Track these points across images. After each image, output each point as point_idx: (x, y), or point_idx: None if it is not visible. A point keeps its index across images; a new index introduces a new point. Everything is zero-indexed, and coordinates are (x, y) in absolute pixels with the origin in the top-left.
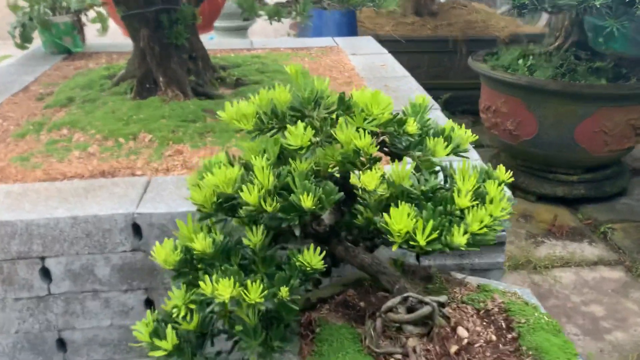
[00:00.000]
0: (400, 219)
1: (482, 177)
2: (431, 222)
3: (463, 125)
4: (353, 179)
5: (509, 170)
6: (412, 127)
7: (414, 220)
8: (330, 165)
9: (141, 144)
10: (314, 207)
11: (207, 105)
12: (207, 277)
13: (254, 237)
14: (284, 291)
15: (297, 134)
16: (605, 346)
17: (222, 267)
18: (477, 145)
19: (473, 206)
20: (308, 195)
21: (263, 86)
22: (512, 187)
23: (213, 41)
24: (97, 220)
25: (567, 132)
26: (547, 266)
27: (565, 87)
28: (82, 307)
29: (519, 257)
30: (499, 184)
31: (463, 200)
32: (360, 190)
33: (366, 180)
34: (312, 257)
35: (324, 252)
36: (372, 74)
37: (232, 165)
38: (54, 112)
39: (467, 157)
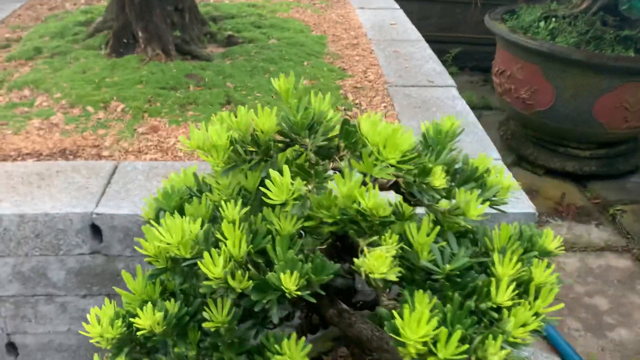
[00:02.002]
0: (416, 326)
1: (525, 244)
2: (459, 331)
3: (503, 168)
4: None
5: (520, 146)
6: (439, 180)
7: (436, 326)
8: (327, 221)
9: (112, 114)
10: (297, 290)
11: (192, 70)
12: None
13: (218, 315)
14: None
15: (281, 184)
16: (607, 344)
17: (175, 351)
18: (486, 107)
19: (514, 304)
20: (292, 273)
21: (257, 45)
22: (519, 158)
23: None
24: (49, 219)
25: (586, 106)
26: None
27: (589, 57)
28: (35, 311)
29: None
30: (547, 265)
31: (502, 295)
32: (363, 275)
33: (373, 264)
34: (294, 351)
35: (309, 348)
36: (382, 36)
37: (201, 193)
38: (17, 65)
39: (503, 211)
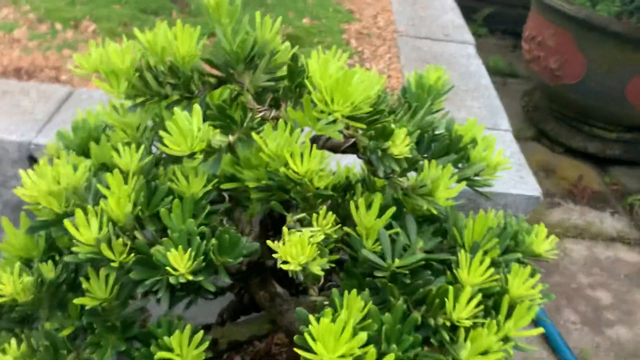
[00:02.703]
0: (334, 341)
1: (505, 242)
2: (392, 355)
3: (492, 137)
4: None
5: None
6: (400, 146)
7: (364, 343)
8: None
9: (81, 35)
10: (190, 275)
11: None
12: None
13: (98, 291)
14: None
15: (184, 128)
16: (604, 342)
17: (45, 326)
18: (512, 74)
19: (476, 324)
20: (185, 249)
21: None
22: (539, 133)
23: None
24: None
25: (618, 84)
26: (559, 234)
27: (630, 30)
28: None
29: (529, 219)
30: (531, 274)
31: (462, 309)
32: (278, 263)
33: (290, 251)
34: (186, 350)
35: (205, 345)
36: None
37: None
38: None
39: (486, 196)
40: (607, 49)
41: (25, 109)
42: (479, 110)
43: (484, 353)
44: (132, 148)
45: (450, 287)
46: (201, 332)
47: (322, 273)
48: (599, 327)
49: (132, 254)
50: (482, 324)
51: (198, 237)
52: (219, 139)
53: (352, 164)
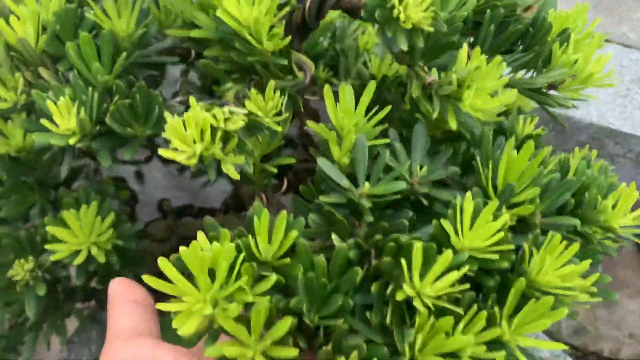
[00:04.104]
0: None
1: (560, 203)
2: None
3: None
4: None
5: None
6: (412, 8)
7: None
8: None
9: None
10: (77, 138)
11: None
12: None
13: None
14: None
15: None
16: None
17: None
18: None
19: (445, 309)
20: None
21: None
22: None
23: None
24: None
25: None
26: None
27: None
28: None
29: None
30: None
31: (428, 283)
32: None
33: (177, 132)
34: None
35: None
36: None
37: None
38: None
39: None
40: None
41: None
42: None
43: (446, 355)
44: None
45: (426, 245)
46: None
47: (237, 176)
48: None
49: (23, 96)
50: (458, 317)
51: (95, 92)
52: None
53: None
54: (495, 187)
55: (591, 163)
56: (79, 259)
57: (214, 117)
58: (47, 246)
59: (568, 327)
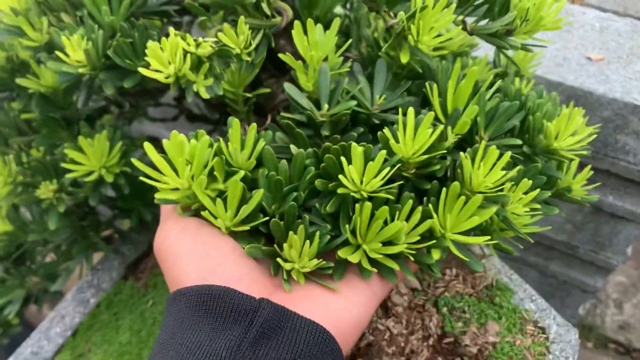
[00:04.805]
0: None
1: (507, 125)
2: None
3: None
4: None
5: None
6: None
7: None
8: None
9: None
10: (87, 68)
11: None
12: None
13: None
14: None
15: None
16: None
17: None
18: None
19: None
20: (84, 40)
21: None
22: None
23: None
24: None
25: None
26: None
27: None
28: None
29: None
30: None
31: (368, 181)
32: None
33: (156, 54)
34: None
35: None
36: None
37: None
38: None
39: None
40: None
41: None
42: None
43: (386, 243)
44: None
45: (366, 147)
46: None
47: (206, 95)
48: None
49: (47, 36)
50: (396, 208)
51: (101, 29)
52: None
53: None
54: (445, 113)
55: (543, 94)
56: (91, 178)
57: (187, 43)
58: (64, 164)
59: (613, 323)
